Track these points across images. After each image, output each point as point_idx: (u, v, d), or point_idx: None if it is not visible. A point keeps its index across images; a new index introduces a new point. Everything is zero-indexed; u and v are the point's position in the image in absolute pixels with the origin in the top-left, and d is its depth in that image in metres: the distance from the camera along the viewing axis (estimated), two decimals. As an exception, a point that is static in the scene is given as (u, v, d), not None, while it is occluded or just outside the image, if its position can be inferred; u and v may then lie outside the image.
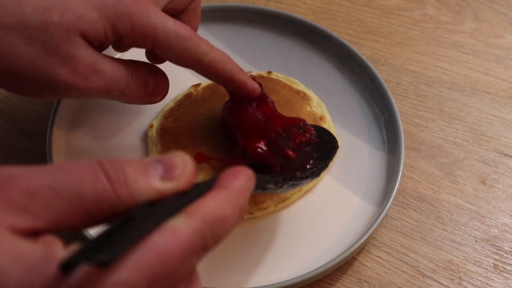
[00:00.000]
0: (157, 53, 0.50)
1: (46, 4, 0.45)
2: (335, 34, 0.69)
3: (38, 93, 0.49)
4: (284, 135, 0.54)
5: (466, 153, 0.65)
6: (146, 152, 0.61)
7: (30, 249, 0.30)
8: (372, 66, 0.67)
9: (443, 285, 0.56)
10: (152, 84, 0.53)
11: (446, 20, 0.77)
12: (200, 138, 0.59)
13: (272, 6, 0.77)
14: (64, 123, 0.62)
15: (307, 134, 0.55)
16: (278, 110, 0.61)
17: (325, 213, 0.58)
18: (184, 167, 0.35)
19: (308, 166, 0.53)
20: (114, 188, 0.32)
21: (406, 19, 0.77)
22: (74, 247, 0.30)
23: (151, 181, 0.33)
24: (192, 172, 0.35)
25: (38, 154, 0.61)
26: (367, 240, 0.55)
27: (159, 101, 0.55)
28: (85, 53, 0.46)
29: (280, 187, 0.50)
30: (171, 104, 0.63)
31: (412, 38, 0.75)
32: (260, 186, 0.45)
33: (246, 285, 0.52)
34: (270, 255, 0.55)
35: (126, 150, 0.61)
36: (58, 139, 0.60)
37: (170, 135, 0.60)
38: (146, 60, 0.54)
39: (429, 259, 0.57)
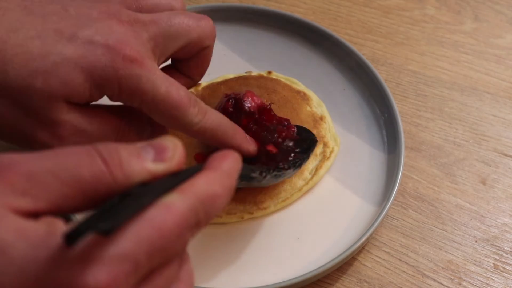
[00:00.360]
0: (144, 112, 0.49)
1: (31, 67, 0.44)
2: (335, 34, 0.69)
3: (17, 145, 0.49)
4: (268, 130, 0.56)
5: (466, 153, 0.65)
6: (146, 152, 0.61)
7: (33, 226, 0.31)
8: (372, 66, 0.67)
9: (443, 285, 0.56)
10: (148, 133, 0.51)
11: (446, 20, 0.77)
12: (200, 138, 0.59)
13: (272, 6, 0.77)
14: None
15: (288, 130, 0.57)
16: (278, 110, 0.61)
17: (325, 213, 0.58)
18: (174, 150, 0.36)
19: (289, 159, 0.55)
20: (110, 170, 0.33)
21: (406, 19, 0.77)
22: (76, 221, 0.32)
23: (144, 163, 0.35)
24: (182, 154, 0.36)
25: (38, 154, 0.61)
26: (367, 240, 0.55)
27: None
28: (67, 117, 0.46)
29: (264, 177, 0.51)
30: (171, 104, 0.63)
31: (412, 38, 0.75)
32: (245, 174, 0.47)
33: (246, 285, 0.52)
34: (270, 255, 0.55)
35: (126, 150, 0.61)
36: (58, 139, 0.60)
37: (170, 135, 0.60)
38: None
39: (429, 259, 0.57)
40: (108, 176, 0.33)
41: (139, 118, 0.50)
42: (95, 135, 0.48)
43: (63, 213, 0.33)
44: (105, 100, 0.47)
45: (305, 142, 0.57)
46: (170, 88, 0.47)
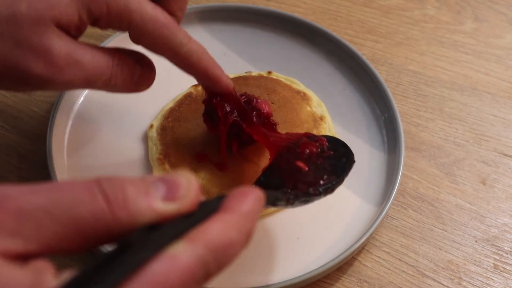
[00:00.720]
0: (132, 39, 0.48)
1: None
2: (335, 34, 0.69)
3: (12, 87, 0.46)
4: (293, 145, 0.51)
5: (466, 153, 0.65)
6: (146, 152, 0.61)
7: (18, 275, 0.28)
8: (372, 66, 0.67)
9: (443, 285, 0.56)
10: (138, 74, 0.50)
11: (446, 20, 0.77)
12: (200, 138, 0.59)
13: (272, 6, 0.77)
14: (64, 123, 0.62)
15: (318, 144, 0.52)
16: (278, 110, 0.61)
17: (325, 213, 0.58)
18: (188, 188, 0.32)
19: (321, 182, 0.48)
20: (112, 209, 0.30)
21: (406, 19, 0.77)
22: (65, 276, 0.29)
23: (152, 201, 0.31)
24: (197, 193, 0.33)
25: (38, 154, 0.61)
26: (367, 240, 0.55)
27: (145, 90, 0.52)
28: (60, 43, 0.44)
29: (292, 204, 0.47)
30: (171, 104, 0.63)
31: (412, 38, 0.75)
32: (270, 203, 0.43)
33: (246, 285, 0.52)
34: (270, 255, 0.55)
35: (126, 150, 0.61)
36: (58, 139, 0.60)
37: (170, 135, 0.60)
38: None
39: (429, 259, 0.57)
40: (109, 216, 0.30)
41: (128, 59, 0.49)
42: (90, 68, 0.46)
43: (57, 255, 0.31)
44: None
45: (339, 161, 0.51)
46: (156, 10, 0.47)
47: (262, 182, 0.49)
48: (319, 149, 0.51)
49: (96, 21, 0.46)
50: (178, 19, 0.53)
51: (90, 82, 0.47)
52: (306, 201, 0.48)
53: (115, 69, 0.48)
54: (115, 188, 0.31)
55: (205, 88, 0.54)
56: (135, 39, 0.48)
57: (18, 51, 0.43)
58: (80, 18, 0.45)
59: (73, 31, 0.46)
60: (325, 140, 0.52)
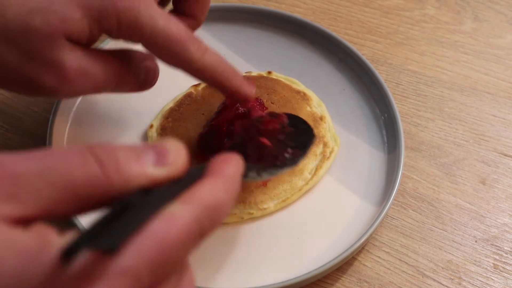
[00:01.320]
0: (145, 48, 0.49)
1: (28, 6, 0.43)
2: (335, 34, 0.69)
3: (23, 93, 0.48)
4: (256, 121, 0.53)
5: (466, 153, 0.65)
6: (146, 152, 0.61)
7: (23, 238, 0.29)
8: (372, 66, 0.67)
9: (443, 285, 0.56)
10: (143, 77, 0.51)
11: (446, 20, 0.77)
12: (200, 138, 0.59)
13: (272, 6, 0.77)
14: (64, 123, 0.62)
15: (278, 121, 0.54)
16: (278, 110, 0.61)
17: (325, 213, 0.58)
18: (177, 154, 0.34)
19: (286, 155, 0.52)
20: (105, 172, 0.31)
21: (406, 19, 0.77)
22: (71, 234, 0.30)
23: (144, 166, 0.33)
24: (185, 159, 0.35)
25: (38, 154, 0.61)
26: (367, 240, 0.55)
27: (148, 89, 0.53)
28: (71, 57, 0.45)
29: (260, 176, 0.50)
30: (171, 104, 0.63)
31: (412, 38, 0.75)
32: (243, 174, 0.46)
33: (246, 285, 0.52)
34: (270, 255, 0.55)
35: (126, 150, 0.61)
36: (58, 139, 0.60)
37: (170, 135, 0.60)
38: None
39: (429, 259, 0.57)
40: (103, 178, 0.31)
41: (135, 62, 0.50)
42: (99, 78, 0.47)
43: (55, 219, 0.31)
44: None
45: (301, 136, 0.54)
46: (169, 23, 0.47)
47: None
48: (280, 126, 0.53)
49: (107, 33, 0.47)
50: (199, 22, 0.54)
51: (98, 90, 0.48)
52: (273, 173, 0.51)
53: (122, 77, 0.49)
54: (108, 154, 0.32)
55: (229, 98, 0.55)
56: (148, 50, 0.49)
57: (31, 64, 0.45)
58: (91, 32, 0.46)
59: (84, 42, 0.47)
60: (286, 117, 0.54)
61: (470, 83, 0.71)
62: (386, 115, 0.64)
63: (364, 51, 0.73)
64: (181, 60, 0.48)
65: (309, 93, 0.65)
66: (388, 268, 0.56)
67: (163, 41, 0.47)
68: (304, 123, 0.56)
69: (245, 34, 0.71)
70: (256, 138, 0.52)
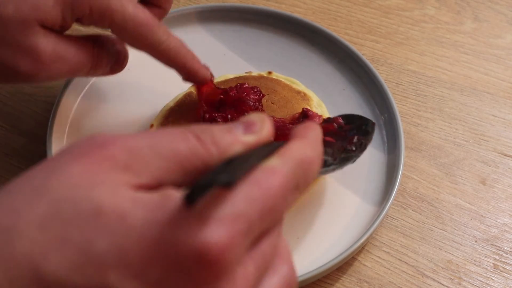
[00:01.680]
0: (113, 33, 0.53)
1: None
2: (335, 34, 0.69)
3: (1, 81, 0.51)
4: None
5: (466, 153, 0.65)
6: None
7: (147, 195, 0.31)
8: (372, 66, 0.67)
9: (443, 285, 0.56)
10: (114, 60, 0.55)
11: (446, 20, 0.77)
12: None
13: (272, 6, 0.77)
14: (64, 123, 0.62)
15: (334, 124, 0.56)
16: (279, 110, 0.61)
17: (325, 213, 0.58)
18: (262, 123, 0.36)
19: (354, 140, 0.54)
20: (204, 145, 0.34)
21: (406, 19, 0.77)
22: (186, 188, 0.32)
23: (236, 136, 0.35)
24: (270, 126, 0.37)
25: (38, 154, 0.61)
26: (367, 240, 0.55)
27: (118, 72, 0.57)
28: (45, 42, 0.48)
29: (335, 159, 0.52)
30: (171, 104, 0.63)
31: (412, 38, 0.75)
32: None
33: (246, 285, 0.52)
34: (270, 255, 0.55)
35: (126, 150, 0.61)
36: (58, 139, 0.60)
37: (170, 135, 0.60)
38: None
39: (429, 259, 0.57)
40: (203, 151, 0.34)
41: (107, 47, 0.54)
42: (74, 62, 0.51)
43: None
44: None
45: (361, 128, 0.56)
46: (137, 9, 0.51)
47: None
48: (338, 127, 0.55)
49: (79, 20, 0.50)
50: (164, 11, 0.58)
51: (73, 74, 0.52)
52: (345, 159, 0.53)
53: (96, 59, 0.53)
54: (203, 130, 0.34)
55: (185, 80, 0.58)
56: (116, 35, 0.53)
57: (6, 51, 0.48)
58: (63, 18, 0.49)
59: (57, 28, 0.50)
60: (340, 118, 0.56)
61: (470, 83, 0.71)
62: (386, 115, 0.64)
63: (364, 51, 0.73)
64: (149, 43, 0.52)
65: (309, 93, 0.65)
66: (388, 268, 0.56)
67: (132, 26, 0.51)
68: (360, 117, 0.57)
69: (245, 34, 0.71)
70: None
